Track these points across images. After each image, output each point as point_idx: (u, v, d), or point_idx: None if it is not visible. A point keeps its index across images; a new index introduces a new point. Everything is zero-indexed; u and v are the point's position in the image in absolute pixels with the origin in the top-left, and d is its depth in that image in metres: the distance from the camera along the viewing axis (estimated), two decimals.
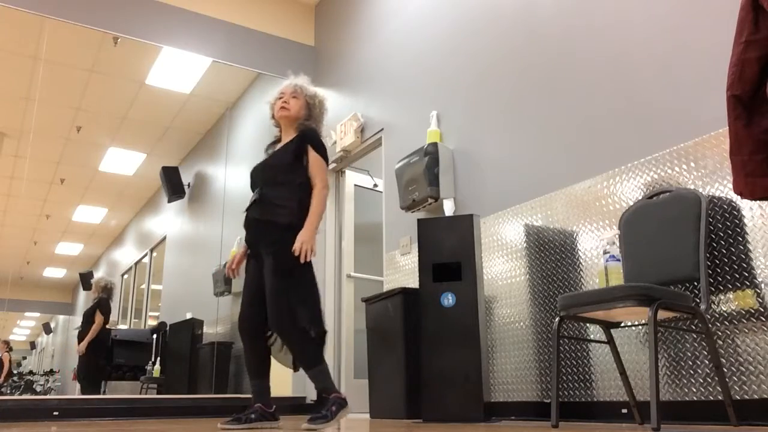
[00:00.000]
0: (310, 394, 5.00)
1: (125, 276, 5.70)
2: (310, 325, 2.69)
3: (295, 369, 2.86)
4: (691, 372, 2.39)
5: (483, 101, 3.73)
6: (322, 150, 2.92)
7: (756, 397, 2.16)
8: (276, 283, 2.69)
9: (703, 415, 2.33)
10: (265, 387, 2.79)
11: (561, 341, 2.96)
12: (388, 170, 4.60)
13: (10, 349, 5.02)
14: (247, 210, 2.91)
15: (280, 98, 3.02)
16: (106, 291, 5.24)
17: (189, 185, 5.77)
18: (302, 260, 2.69)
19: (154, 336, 5.42)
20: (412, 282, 4.05)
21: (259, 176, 2.93)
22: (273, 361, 2.89)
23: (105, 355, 5.08)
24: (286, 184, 2.84)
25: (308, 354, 2.65)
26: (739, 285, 2.28)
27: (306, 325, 2.68)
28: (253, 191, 2.96)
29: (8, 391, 5.00)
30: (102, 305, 5.12)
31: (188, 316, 5.51)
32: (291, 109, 2.99)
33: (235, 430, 2.59)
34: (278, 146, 3.01)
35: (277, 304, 2.67)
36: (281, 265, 2.72)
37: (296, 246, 2.69)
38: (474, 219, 3.19)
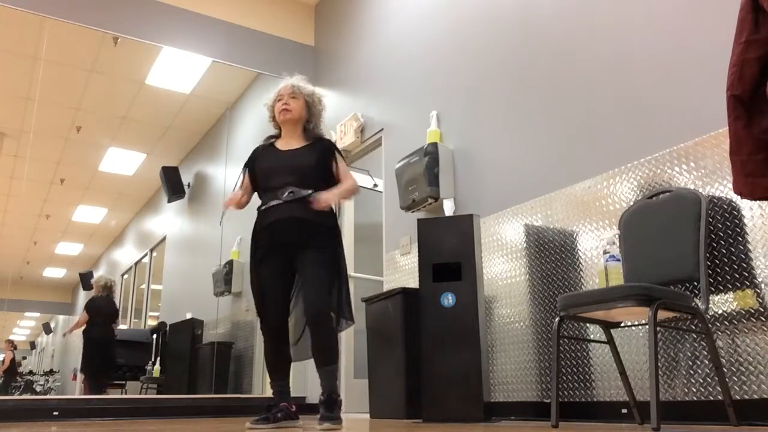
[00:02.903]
0: (311, 394, 5.00)
1: (125, 276, 5.70)
2: (346, 319, 2.84)
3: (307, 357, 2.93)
4: (691, 372, 2.39)
5: (483, 101, 3.73)
6: (344, 158, 3.09)
7: (756, 397, 2.16)
8: (323, 274, 2.77)
9: (703, 415, 2.33)
10: (288, 387, 2.86)
11: (561, 341, 2.96)
12: (388, 170, 4.60)
13: (15, 348, 5.04)
14: (276, 207, 2.85)
15: (279, 100, 3.03)
16: (106, 289, 5.25)
17: (189, 185, 5.77)
18: (317, 205, 2.77)
19: (154, 336, 5.41)
20: (412, 282, 4.05)
21: (286, 174, 2.88)
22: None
23: (101, 358, 5.10)
24: (324, 187, 2.88)
25: (333, 349, 2.73)
26: (739, 285, 2.28)
27: (344, 319, 2.83)
28: (269, 187, 2.90)
29: (8, 391, 5.00)
30: (87, 303, 5.17)
31: (188, 316, 5.50)
32: (293, 111, 3.00)
33: (265, 429, 2.61)
34: (292, 147, 2.98)
35: (321, 295, 2.73)
36: (330, 260, 2.82)
37: (322, 197, 2.78)
38: (474, 219, 3.19)
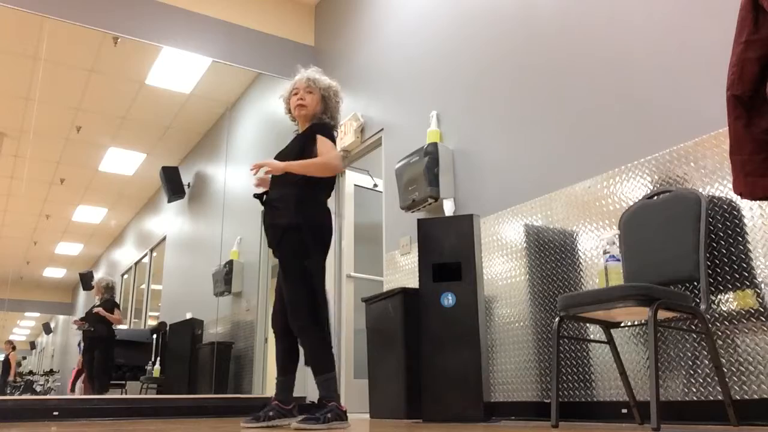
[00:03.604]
0: (310, 394, 5.00)
1: (125, 276, 5.70)
2: (316, 326, 2.69)
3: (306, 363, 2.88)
4: (691, 372, 2.39)
5: (483, 101, 3.73)
6: (330, 137, 2.86)
7: (756, 397, 2.16)
8: (286, 285, 2.71)
9: (703, 415, 2.33)
10: (286, 384, 2.80)
11: (561, 341, 2.96)
12: (388, 170, 4.60)
13: (14, 349, 5.04)
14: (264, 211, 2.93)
15: (295, 94, 2.97)
16: (109, 290, 5.26)
17: (189, 185, 5.77)
18: (252, 166, 2.69)
19: (154, 336, 5.41)
20: (412, 282, 4.05)
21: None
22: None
23: (112, 359, 5.13)
24: (284, 184, 2.81)
25: (319, 358, 2.65)
26: (739, 285, 2.28)
27: (314, 325, 2.68)
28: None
29: (8, 391, 5.00)
30: (117, 304, 5.22)
31: (188, 316, 5.50)
32: (308, 106, 2.95)
33: (256, 429, 2.60)
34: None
35: (290, 305, 2.69)
36: (287, 267, 2.72)
37: (259, 161, 2.70)
38: (474, 219, 3.19)
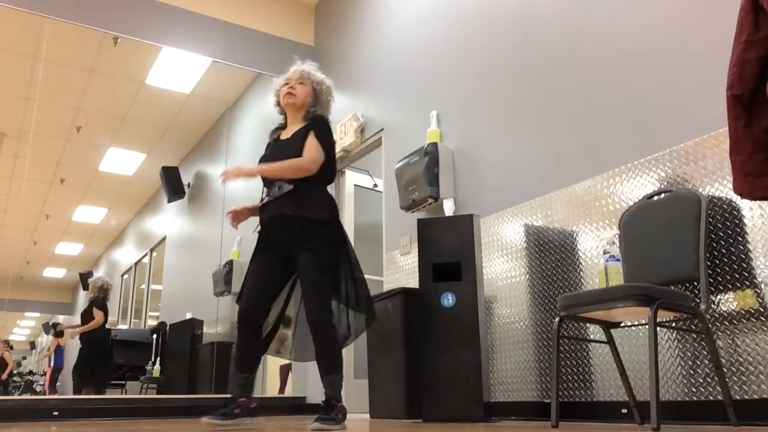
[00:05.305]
0: (310, 394, 5.00)
1: (125, 276, 5.70)
2: (363, 314, 2.74)
3: (297, 359, 2.85)
4: (691, 372, 2.39)
5: (483, 101, 3.73)
6: (324, 137, 2.80)
7: (756, 397, 2.16)
8: (319, 282, 2.63)
9: (703, 415, 2.33)
10: (252, 382, 2.72)
11: (561, 341, 2.96)
12: (388, 170, 4.60)
13: (11, 348, 5.03)
14: (268, 204, 2.76)
15: (286, 84, 2.91)
16: (102, 291, 5.23)
17: (189, 185, 5.77)
18: (221, 175, 2.67)
19: (154, 336, 5.42)
20: (412, 282, 4.05)
21: None
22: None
23: (105, 359, 5.05)
24: (311, 178, 2.72)
25: (336, 355, 2.61)
26: (739, 285, 2.28)
27: (361, 314, 2.73)
28: (264, 181, 2.81)
29: (8, 391, 5.00)
30: (97, 303, 5.12)
31: (188, 316, 5.51)
32: (297, 96, 2.87)
33: (221, 425, 2.54)
34: (286, 135, 2.87)
35: (317, 304, 2.61)
36: (323, 262, 2.67)
37: (231, 168, 2.66)
38: (474, 219, 3.19)
